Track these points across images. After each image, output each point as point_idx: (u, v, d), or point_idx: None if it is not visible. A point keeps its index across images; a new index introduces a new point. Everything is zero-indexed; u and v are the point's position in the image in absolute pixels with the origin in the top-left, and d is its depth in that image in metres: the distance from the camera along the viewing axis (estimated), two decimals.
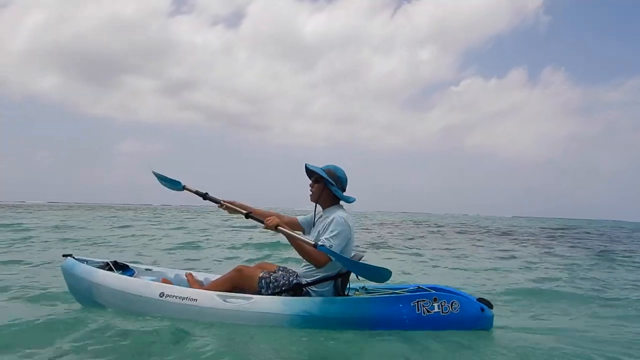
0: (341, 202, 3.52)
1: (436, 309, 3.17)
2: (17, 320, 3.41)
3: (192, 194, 3.76)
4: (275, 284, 3.40)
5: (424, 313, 3.16)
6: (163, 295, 3.44)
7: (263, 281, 3.43)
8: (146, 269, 4.27)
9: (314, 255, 3.15)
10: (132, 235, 13.67)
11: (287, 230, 3.25)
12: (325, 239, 3.18)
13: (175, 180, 3.90)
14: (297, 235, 3.27)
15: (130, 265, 4.25)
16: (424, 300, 3.19)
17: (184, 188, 3.85)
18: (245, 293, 3.53)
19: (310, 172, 3.53)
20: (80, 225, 17.93)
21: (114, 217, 28.64)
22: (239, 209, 3.54)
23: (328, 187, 3.43)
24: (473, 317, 3.22)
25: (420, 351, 2.98)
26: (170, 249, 10.06)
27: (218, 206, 3.66)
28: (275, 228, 3.24)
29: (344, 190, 3.49)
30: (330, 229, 3.24)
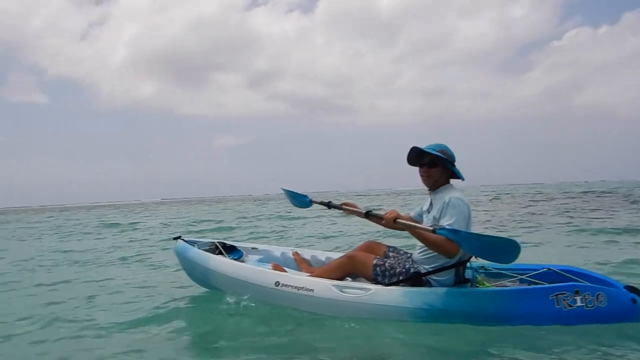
0: (451, 181, 3.21)
1: (579, 303, 2.83)
2: None
3: (318, 205, 3.86)
4: (392, 272, 3.22)
5: (564, 308, 2.84)
6: (279, 284, 3.39)
7: (378, 269, 3.26)
8: (252, 248, 4.27)
9: (443, 245, 2.88)
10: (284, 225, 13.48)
11: (407, 222, 3.01)
12: (447, 224, 2.91)
13: (302, 195, 4.04)
14: (419, 225, 3.02)
15: (238, 245, 4.26)
16: (564, 294, 2.85)
17: (311, 202, 3.98)
18: (359, 281, 3.41)
19: (419, 155, 3.19)
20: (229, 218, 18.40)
21: (242, 209, 27.05)
22: (358, 209, 3.51)
23: (448, 168, 3.11)
24: (623, 310, 2.85)
25: (560, 346, 2.71)
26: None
27: (342, 211, 3.61)
28: (394, 222, 3.01)
29: (454, 165, 3.19)
30: (448, 212, 2.95)
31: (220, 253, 4.00)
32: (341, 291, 3.21)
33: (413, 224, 3.01)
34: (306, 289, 3.30)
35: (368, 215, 3.30)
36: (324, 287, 3.26)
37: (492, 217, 13.00)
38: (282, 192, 4.30)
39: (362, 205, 3.62)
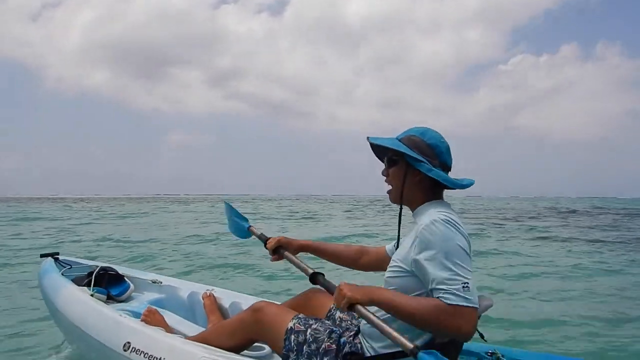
0: (445, 195, 1.68)
1: None
2: None
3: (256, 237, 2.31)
4: (313, 347, 1.70)
5: None
6: (128, 348, 1.96)
7: (293, 338, 1.75)
8: (153, 281, 2.86)
9: (447, 320, 1.38)
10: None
11: (365, 313, 1.51)
12: (446, 289, 1.37)
13: (242, 218, 2.46)
14: (399, 296, 1.50)
15: (129, 275, 2.88)
16: None
17: (249, 230, 2.38)
18: (264, 350, 1.96)
19: (379, 149, 1.76)
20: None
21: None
22: (303, 265, 1.98)
23: (415, 167, 1.62)
24: None
25: None
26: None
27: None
28: (350, 308, 1.53)
29: (446, 167, 1.65)
30: (425, 249, 1.44)
31: (89, 284, 2.61)
32: None
33: (392, 297, 1.49)
34: None
35: (315, 280, 1.85)
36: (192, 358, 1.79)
37: None
38: (225, 207, 2.75)
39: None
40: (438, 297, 1.37)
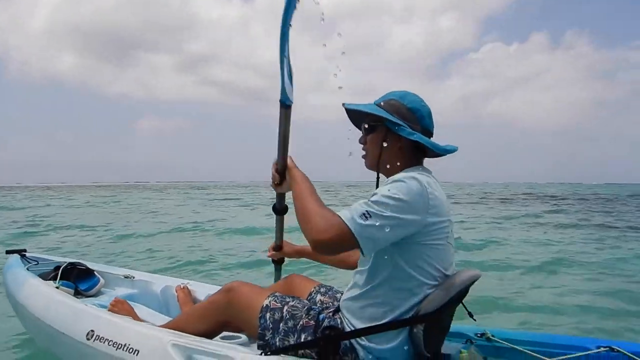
0: (427, 162, 1.62)
1: None
2: None
3: None
4: (289, 324, 1.61)
5: None
6: (92, 336, 1.85)
7: (268, 315, 1.65)
8: (125, 277, 2.74)
9: (317, 220, 1.38)
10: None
11: (299, 177, 1.61)
12: (360, 204, 1.37)
13: None
14: (312, 192, 1.53)
15: (100, 270, 2.76)
16: None
17: None
18: (239, 332, 1.89)
19: (355, 116, 1.68)
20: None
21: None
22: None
23: (395, 132, 1.54)
24: None
25: None
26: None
27: None
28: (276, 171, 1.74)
29: (428, 132, 1.58)
30: (379, 191, 1.39)
31: (55, 277, 2.48)
32: (184, 358, 1.62)
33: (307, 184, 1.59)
34: (128, 349, 1.73)
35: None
36: (158, 346, 1.68)
37: None
38: None
39: None
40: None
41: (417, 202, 1.35)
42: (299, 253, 2.16)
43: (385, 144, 1.55)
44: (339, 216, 1.34)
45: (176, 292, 2.50)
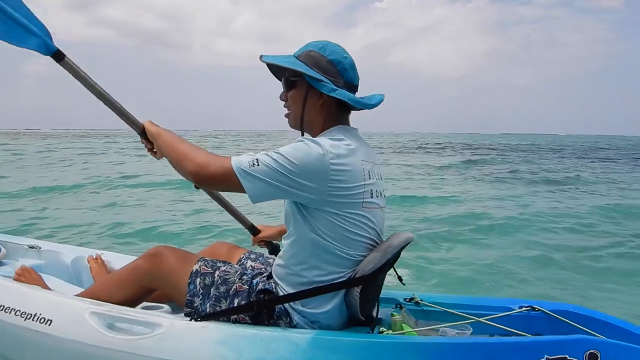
0: (352, 119, 1.59)
1: None
2: None
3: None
4: (221, 290, 1.56)
5: None
6: None
7: (198, 281, 1.58)
8: (30, 247, 2.49)
9: (196, 154, 1.41)
10: None
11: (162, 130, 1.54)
12: (258, 153, 1.38)
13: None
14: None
15: (1, 239, 2.50)
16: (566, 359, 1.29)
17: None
18: (164, 302, 1.79)
19: (275, 69, 1.58)
20: None
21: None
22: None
23: (316, 88, 1.47)
24: None
25: None
26: None
27: None
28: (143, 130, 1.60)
29: (352, 86, 1.52)
30: (281, 148, 1.37)
31: None
32: (105, 327, 1.51)
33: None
34: (39, 319, 1.58)
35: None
36: (74, 315, 1.56)
37: None
38: None
39: None
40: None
41: (313, 168, 1.32)
42: (282, 233, 2.05)
43: (306, 101, 1.49)
44: (229, 157, 1.35)
45: (88, 262, 2.32)
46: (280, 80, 1.57)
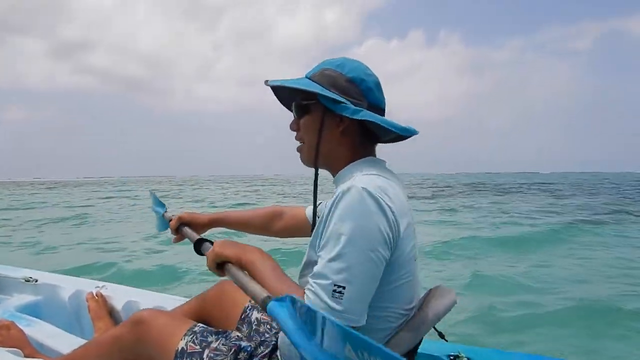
0: (380, 149, 1.29)
1: None
2: None
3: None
4: None
5: None
6: None
7: (185, 358, 1.32)
8: (26, 280, 2.29)
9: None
10: None
11: (249, 260, 1.15)
12: (312, 284, 1.02)
13: (160, 203, 1.90)
14: (268, 270, 1.12)
15: None
16: None
17: (163, 216, 1.82)
18: None
19: (284, 95, 1.32)
20: None
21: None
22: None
23: (336, 112, 1.17)
24: None
25: None
26: None
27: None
28: (216, 267, 1.21)
29: (378, 109, 1.21)
30: (328, 242, 1.02)
31: None
32: None
33: (257, 266, 1.14)
34: None
35: (199, 246, 1.39)
36: None
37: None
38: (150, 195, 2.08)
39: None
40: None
41: (375, 228, 1.01)
42: (212, 223, 1.67)
43: (323, 129, 1.19)
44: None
45: (87, 301, 2.11)
46: (289, 109, 1.30)
